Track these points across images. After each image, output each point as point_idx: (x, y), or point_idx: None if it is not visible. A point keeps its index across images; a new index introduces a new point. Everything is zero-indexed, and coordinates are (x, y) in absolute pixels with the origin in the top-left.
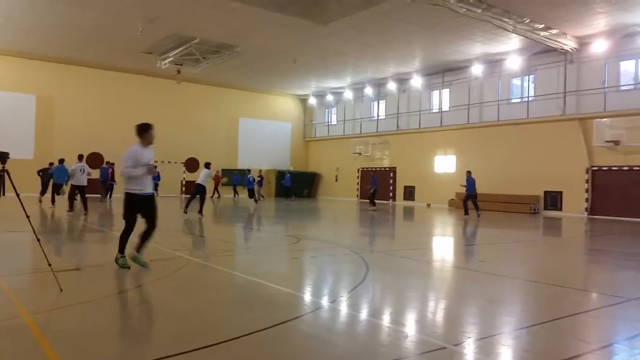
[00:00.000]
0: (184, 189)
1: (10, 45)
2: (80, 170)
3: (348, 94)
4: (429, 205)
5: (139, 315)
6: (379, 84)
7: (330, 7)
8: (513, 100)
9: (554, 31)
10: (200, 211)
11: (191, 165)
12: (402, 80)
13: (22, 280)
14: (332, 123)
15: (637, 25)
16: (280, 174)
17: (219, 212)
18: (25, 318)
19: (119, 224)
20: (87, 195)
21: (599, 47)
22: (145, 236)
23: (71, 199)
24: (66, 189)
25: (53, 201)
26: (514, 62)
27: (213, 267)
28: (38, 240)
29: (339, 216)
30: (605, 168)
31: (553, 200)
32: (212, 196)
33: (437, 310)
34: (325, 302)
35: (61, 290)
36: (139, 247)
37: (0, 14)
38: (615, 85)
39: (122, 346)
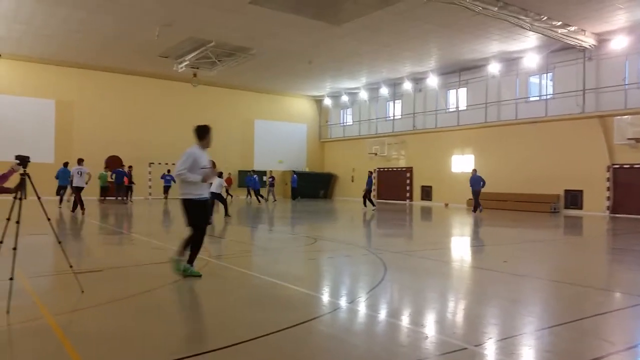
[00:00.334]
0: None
1: (31, 51)
2: (78, 173)
3: (363, 95)
4: (446, 205)
5: (159, 317)
6: (395, 84)
7: (344, 7)
8: (531, 99)
9: (572, 28)
10: (226, 214)
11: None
12: (418, 79)
13: (45, 281)
14: (348, 124)
15: None
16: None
17: (234, 213)
18: (48, 319)
19: (137, 226)
20: (107, 197)
21: (619, 43)
22: (197, 246)
23: (74, 200)
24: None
25: (61, 200)
26: (532, 60)
27: (230, 267)
28: (59, 242)
29: (356, 217)
30: (627, 166)
31: (574, 199)
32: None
33: (457, 310)
34: (343, 302)
35: (82, 291)
36: (181, 252)
37: (22, 20)
38: (636, 82)
39: (141, 347)
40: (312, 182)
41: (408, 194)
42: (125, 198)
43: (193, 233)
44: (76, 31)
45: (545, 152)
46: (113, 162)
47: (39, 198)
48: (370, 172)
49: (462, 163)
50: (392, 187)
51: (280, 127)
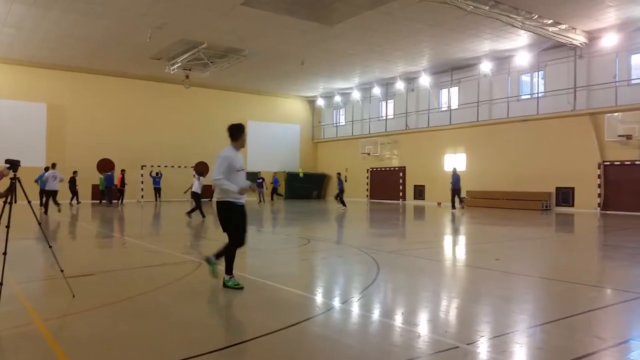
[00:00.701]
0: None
1: (22, 54)
2: (53, 177)
3: (356, 95)
4: (439, 204)
5: (151, 320)
6: (387, 84)
7: (337, 8)
8: (523, 97)
9: (563, 26)
10: (191, 212)
11: (201, 169)
12: (410, 79)
13: (35, 286)
14: (341, 124)
15: None
16: (291, 176)
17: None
18: (39, 324)
19: (129, 229)
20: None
21: (609, 41)
22: (230, 254)
23: (45, 203)
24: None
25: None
26: (523, 59)
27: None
28: (50, 246)
29: (349, 217)
30: (618, 163)
31: (565, 196)
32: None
33: (450, 309)
34: (337, 303)
35: (73, 296)
36: (218, 256)
37: (12, 24)
38: (626, 80)
39: (134, 351)
40: (306, 182)
41: (401, 194)
42: (112, 202)
43: (230, 240)
44: (67, 34)
45: (536, 150)
46: (104, 166)
47: (29, 202)
48: (339, 174)
49: (455, 162)
50: (385, 186)
51: (273, 128)
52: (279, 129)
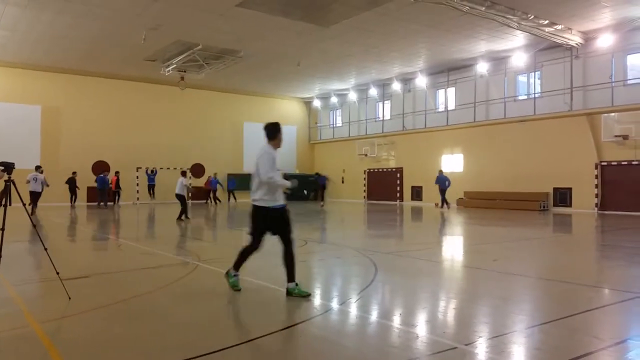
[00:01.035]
0: (190, 194)
1: (15, 57)
2: (34, 179)
3: (352, 96)
4: (437, 204)
5: (147, 322)
6: (384, 85)
7: (332, 9)
8: (519, 97)
9: (559, 27)
10: (179, 217)
11: (197, 171)
12: (406, 80)
13: (31, 289)
14: (337, 125)
15: None
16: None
17: (216, 216)
18: (34, 327)
19: (125, 231)
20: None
21: (605, 41)
22: (289, 260)
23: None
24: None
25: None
26: (520, 59)
27: (220, 271)
28: (45, 249)
29: (346, 218)
30: (615, 163)
31: (562, 196)
32: (206, 202)
33: (448, 310)
34: (334, 304)
35: (69, 298)
36: (290, 275)
37: (6, 26)
38: (622, 80)
39: (130, 353)
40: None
41: (398, 195)
42: (106, 204)
43: (285, 247)
44: (61, 36)
45: (534, 151)
46: (98, 168)
47: (24, 205)
48: (317, 174)
49: (452, 162)
50: (382, 187)
51: None
52: None
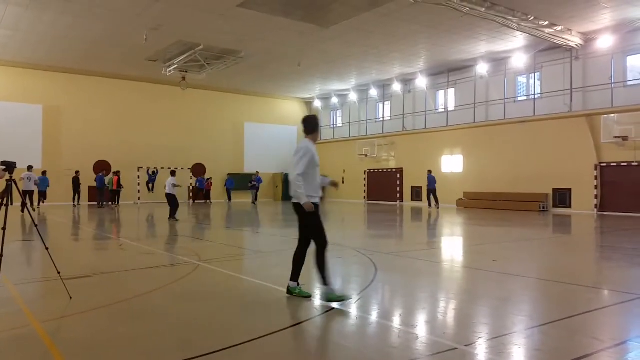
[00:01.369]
0: (191, 194)
1: (17, 56)
2: (27, 179)
3: (353, 96)
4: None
5: (148, 322)
6: (384, 85)
7: (333, 10)
8: (519, 98)
9: (559, 28)
10: (171, 217)
11: (198, 170)
12: (407, 80)
13: (32, 288)
14: (338, 125)
15: None
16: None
17: (215, 216)
18: (35, 326)
19: (126, 230)
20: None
21: (605, 42)
22: (321, 261)
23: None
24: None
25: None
26: (519, 60)
27: (221, 271)
28: (47, 248)
29: (346, 218)
30: (614, 164)
31: (562, 197)
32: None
33: (448, 310)
34: (335, 304)
35: (70, 298)
36: (325, 280)
37: (8, 26)
38: (622, 81)
39: (131, 353)
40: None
41: (398, 195)
42: (104, 203)
43: (317, 248)
44: (63, 36)
45: (533, 152)
46: (99, 168)
47: (25, 204)
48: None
49: (452, 163)
50: (382, 188)
51: (270, 130)
52: (276, 130)
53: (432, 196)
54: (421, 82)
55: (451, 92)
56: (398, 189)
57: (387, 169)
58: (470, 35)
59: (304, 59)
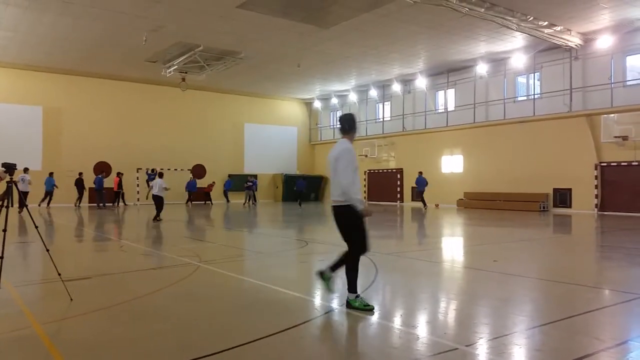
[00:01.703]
0: (191, 196)
1: (17, 58)
2: (22, 180)
3: (353, 97)
4: (437, 205)
5: (149, 323)
6: (384, 86)
7: (332, 10)
8: (519, 99)
9: (558, 28)
10: (156, 218)
11: (199, 171)
12: (406, 81)
13: (32, 290)
14: (338, 126)
15: None
16: (288, 178)
17: (216, 217)
18: (36, 328)
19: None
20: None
21: (604, 42)
22: (354, 267)
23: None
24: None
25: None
26: (519, 60)
27: (222, 272)
28: (47, 250)
29: None
30: (614, 164)
31: (562, 197)
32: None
33: (449, 311)
34: (335, 305)
35: (71, 299)
36: (352, 287)
37: (7, 27)
38: (621, 81)
39: (132, 355)
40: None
41: (398, 195)
42: (104, 205)
43: (353, 248)
44: (63, 37)
45: (533, 152)
46: (99, 169)
47: (25, 206)
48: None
49: (452, 163)
50: (382, 188)
51: (270, 131)
52: (276, 131)
53: (422, 197)
54: (421, 82)
55: (451, 92)
56: (398, 189)
57: (387, 170)
58: (470, 35)
59: (303, 60)
